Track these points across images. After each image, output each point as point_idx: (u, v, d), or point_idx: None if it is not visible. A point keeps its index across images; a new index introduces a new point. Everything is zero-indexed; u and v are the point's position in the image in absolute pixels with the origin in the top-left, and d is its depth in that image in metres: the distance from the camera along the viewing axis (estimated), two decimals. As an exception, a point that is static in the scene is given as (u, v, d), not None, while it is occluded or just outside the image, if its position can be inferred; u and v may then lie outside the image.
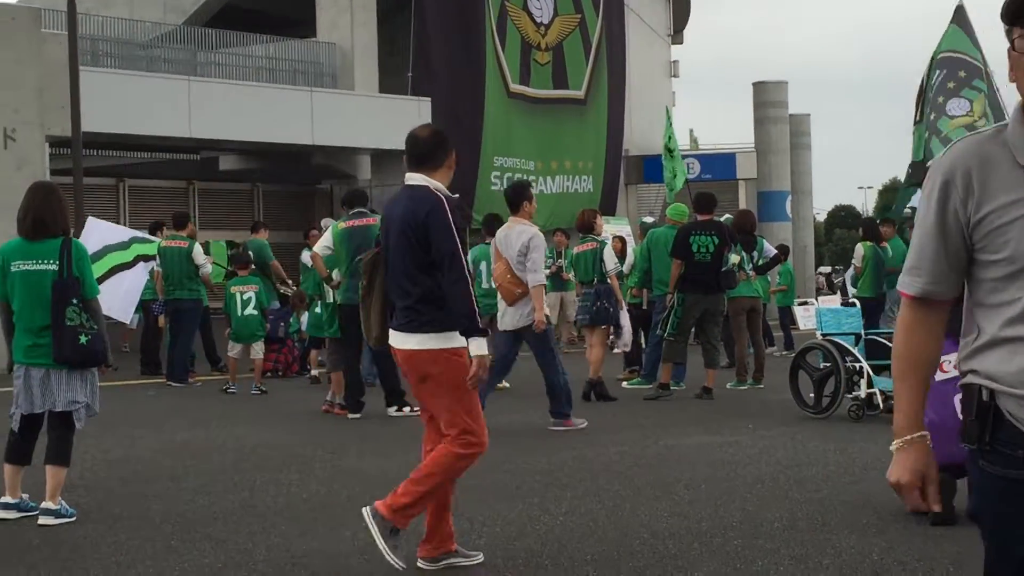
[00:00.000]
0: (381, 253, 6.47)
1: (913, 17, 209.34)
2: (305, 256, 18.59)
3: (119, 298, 15.49)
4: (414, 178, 6.32)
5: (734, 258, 14.33)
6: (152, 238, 16.63)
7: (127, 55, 27.41)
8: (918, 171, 17.40)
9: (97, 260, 15.16)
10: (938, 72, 17.54)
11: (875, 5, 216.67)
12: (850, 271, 19.80)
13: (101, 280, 14.36)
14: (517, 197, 11.66)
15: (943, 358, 7.26)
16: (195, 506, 7.98)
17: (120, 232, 16.46)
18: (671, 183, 28.14)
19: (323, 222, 18.66)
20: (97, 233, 15.87)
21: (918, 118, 17.91)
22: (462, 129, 31.79)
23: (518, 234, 11.35)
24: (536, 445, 10.56)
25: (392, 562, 5.99)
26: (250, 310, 15.56)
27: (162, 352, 17.71)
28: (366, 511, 6.07)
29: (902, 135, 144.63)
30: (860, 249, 17.51)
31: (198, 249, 16.75)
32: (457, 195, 6.64)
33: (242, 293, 15.62)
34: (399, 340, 6.27)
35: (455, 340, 6.12)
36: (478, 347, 6.03)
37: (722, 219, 18.16)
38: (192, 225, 17.46)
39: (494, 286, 15.57)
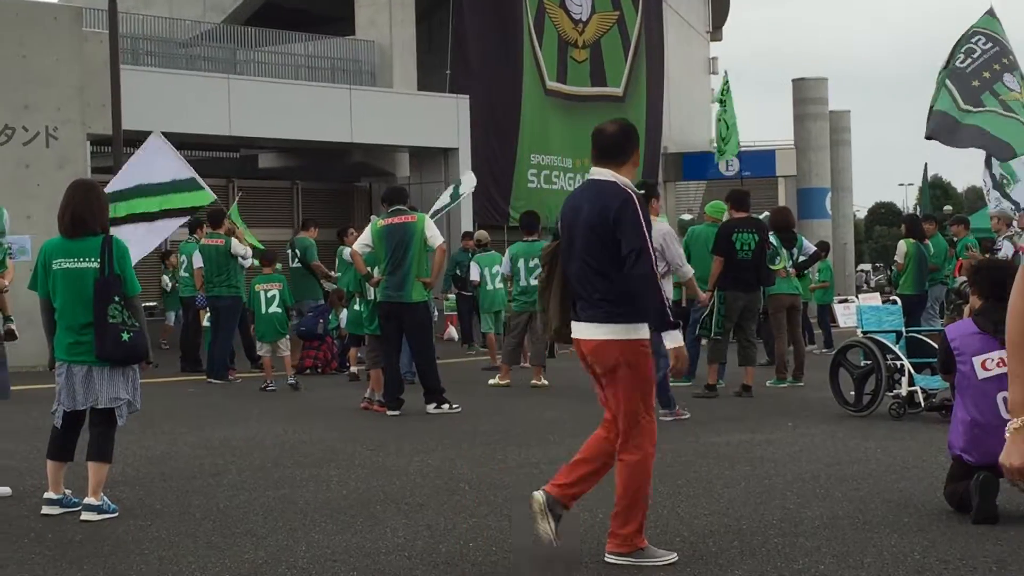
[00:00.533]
0: (560, 245, 6.49)
1: (955, 10, 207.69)
2: (346, 253, 18.70)
3: (133, 244, 15.43)
4: (600, 172, 6.35)
5: (784, 258, 14.26)
6: (203, 186, 16.38)
7: (167, 54, 27.58)
8: (934, 119, 17.04)
9: (123, 200, 15.24)
10: (988, 42, 17.30)
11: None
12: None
13: (118, 223, 14.33)
14: (646, 195, 11.76)
15: (984, 356, 7.23)
16: (236, 502, 8.01)
17: (171, 165, 16.24)
18: (721, 146, 27.87)
19: (372, 218, 18.82)
20: (154, 156, 15.90)
21: (944, 66, 17.64)
22: (499, 127, 31.84)
23: None
24: (574, 443, 10.53)
25: (668, 561, 6.19)
26: (274, 308, 15.63)
27: (202, 349, 17.82)
28: (612, 559, 6.21)
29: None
30: (903, 246, 17.35)
31: (235, 244, 16.82)
32: (642, 190, 6.65)
33: (266, 291, 15.68)
34: (587, 331, 6.30)
35: (642, 332, 6.19)
36: (673, 340, 6.10)
37: (761, 216, 18.08)
38: (228, 221, 17.58)
39: (532, 283, 15.63)
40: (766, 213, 18.36)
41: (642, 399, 6.26)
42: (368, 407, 13.17)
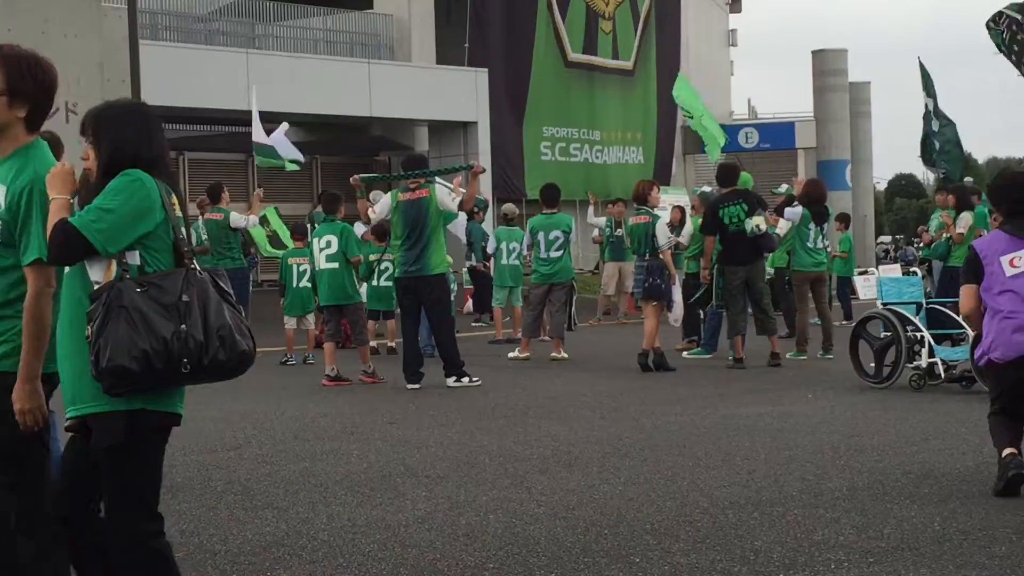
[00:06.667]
0: None
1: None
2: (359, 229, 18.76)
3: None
4: None
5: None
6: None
7: (186, 28, 27.58)
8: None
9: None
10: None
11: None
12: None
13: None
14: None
15: (1012, 255, 7.15)
16: (256, 475, 8.04)
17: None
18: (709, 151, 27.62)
19: (372, 195, 18.91)
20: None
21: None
22: (512, 100, 31.85)
23: None
24: (594, 415, 10.56)
25: None
26: (304, 282, 15.58)
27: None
28: None
29: (965, 103, 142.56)
30: (968, 218, 16.50)
31: (234, 215, 17.08)
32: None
33: (298, 265, 15.63)
34: None
35: None
36: None
37: (781, 189, 17.99)
38: (226, 195, 17.65)
39: (552, 256, 15.62)
40: (785, 185, 18.28)
41: None
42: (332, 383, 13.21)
